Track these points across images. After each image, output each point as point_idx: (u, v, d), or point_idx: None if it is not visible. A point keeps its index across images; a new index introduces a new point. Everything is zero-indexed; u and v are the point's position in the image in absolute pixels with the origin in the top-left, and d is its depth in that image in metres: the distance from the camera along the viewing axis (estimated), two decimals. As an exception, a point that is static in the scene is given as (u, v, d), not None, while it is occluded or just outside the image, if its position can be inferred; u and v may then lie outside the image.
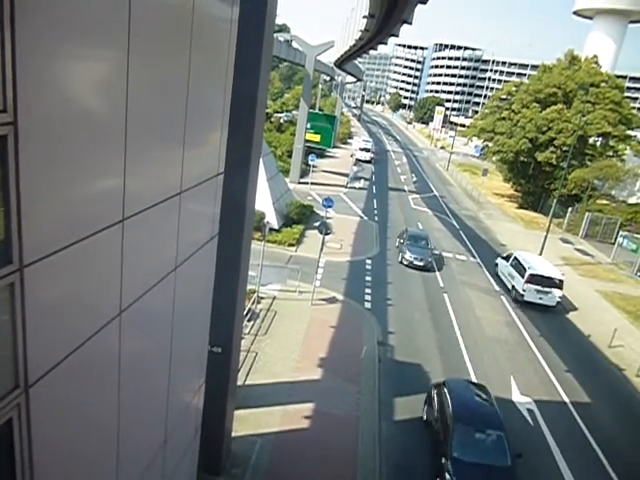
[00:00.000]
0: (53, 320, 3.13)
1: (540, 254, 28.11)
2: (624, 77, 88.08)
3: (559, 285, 21.75)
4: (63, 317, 3.24)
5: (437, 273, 24.09)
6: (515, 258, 23.53)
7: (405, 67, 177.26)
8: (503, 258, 25.27)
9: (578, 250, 33.70)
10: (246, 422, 11.21)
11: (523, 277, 21.87)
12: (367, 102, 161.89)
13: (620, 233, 34.65)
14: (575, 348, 18.92)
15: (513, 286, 22.86)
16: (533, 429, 13.30)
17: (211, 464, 9.33)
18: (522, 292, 21.87)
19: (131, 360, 4.21)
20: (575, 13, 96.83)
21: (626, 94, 46.60)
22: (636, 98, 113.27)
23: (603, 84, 42.11)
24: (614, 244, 33.63)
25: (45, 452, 3.21)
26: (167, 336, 5.12)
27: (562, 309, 22.32)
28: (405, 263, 24.18)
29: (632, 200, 45.10)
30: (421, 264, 23.88)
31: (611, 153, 42.71)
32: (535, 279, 21.56)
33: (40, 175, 2.73)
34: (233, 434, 10.32)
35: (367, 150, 57.77)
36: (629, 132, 42.36)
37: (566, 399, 15.02)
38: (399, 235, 27.28)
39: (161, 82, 4.07)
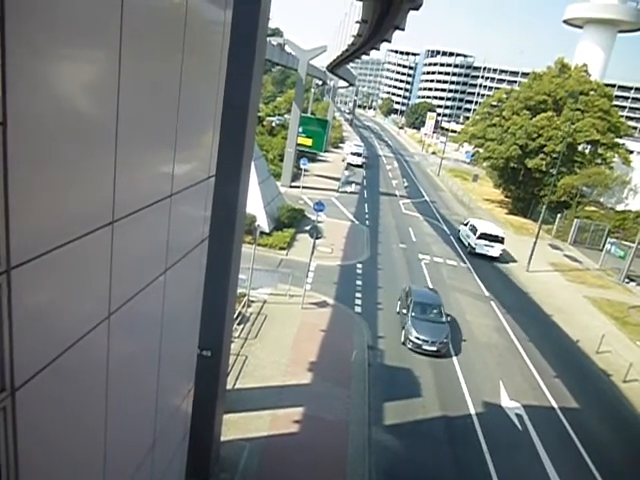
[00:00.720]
0: (40, 322, 3.09)
1: (529, 260, 28.57)
2: (613, 86, 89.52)
3: (501, 240, 29.61)
4: (51, 319, 3.21)
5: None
6: (472, 224, 31.68)
7: (397, 73, 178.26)
8: (464, 225, 33.15)
9: (567, 256, 34.01)
10: (235, 426, 11.16)
11: (475, 235, 29.70)
12: (359, 107, 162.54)
13: (608, 240, 35.02)
14: (563, 353, 19.06)
15: (469, 243, 30.59)
16: (521, 434, 13.37)
17: (200, 468, 9.26)
18: (474, 246, 29.70)
19: (120, 363, 4.18)
20: (565, 22, 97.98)
21: (615, 102, 47.19)
22: (624, 107, 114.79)
23: (592, 92, 42.64)
24: (602, 250, 33.98)
25: (31, 455, 3.17)
26: (156, 339, 5.09)
27: (547, 314, 22.53)
28: (410, 346, 16.61)
29: (620, 207, 45.62)
30: (433, 349, 16.43)
31: (600, 160, 43.21)
32: (483, 236, 29.54)
33: (29, 176, 2.70)
34: (222, 438, 10.26)
35: (359, 154, 57.94)
36: (617, 140, 42.90)
37: (554, 404, 15.12)
38: (400, 297, 19.58)
39: (153, 84, 4.06)
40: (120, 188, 3.62)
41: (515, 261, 30.54)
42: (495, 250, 29.27)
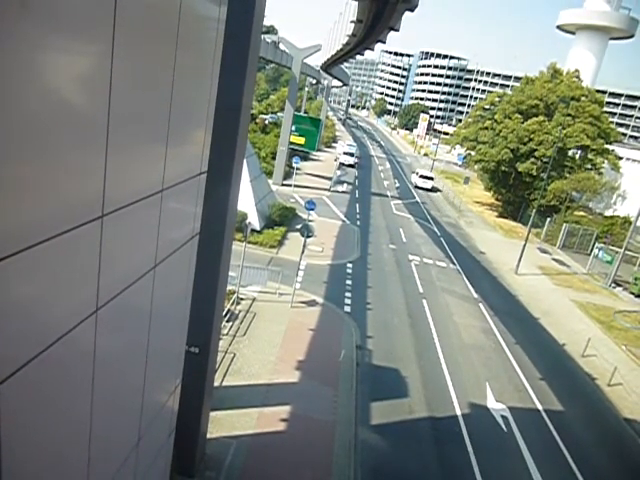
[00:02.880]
0: (26, 315, 3.06)
1: (518, 263, 28.81)
2: (604, 92, 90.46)
3: (432, 178, 53.85)
4: (37, 313, 3.18)
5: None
6: (417, 171, 55.82)
7: (391, 74, 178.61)
8: (413, 172, 57.22)
9: (555, 260, 34.30)
10: (221, 424, 11.13)
11: (418, 176, 53.84)
12: (352, 107, 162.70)
13: (596, 245, 35.37)
14: (549, 356, 19.22)
15: (415, 182, 53.88)
16: (506, 435, 13.47)
17: (185, 466, 9.23)
18: (417, 182, 53.43)
19: (106, 359, 4.15)
20: (559, 28, 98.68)
21: (605, 109, 47.66)
22: (615, 113, 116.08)
23: (583, 98, 43.00)
24: (590, 255, 34.31)
25: (13, 452, 3.13)
26: (144, 335, 5.06)
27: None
28: None
29: (608, 212, 46.10)
30: None
31: (589, 166, 43.62)
32: (422, 176, 53.69)
33: (16, 169, 2.67)
34: (208, 436, 10.23)
35: (351, 154, 57.97)
36: (607, 146, 43.29)
37: (539, 406, 15.24)
38: None
39: (146, 79, 4.03)
40: (110, 182, 3.59)
41: (440, 191, 54.45)
42: (428, 184, 52.80)
